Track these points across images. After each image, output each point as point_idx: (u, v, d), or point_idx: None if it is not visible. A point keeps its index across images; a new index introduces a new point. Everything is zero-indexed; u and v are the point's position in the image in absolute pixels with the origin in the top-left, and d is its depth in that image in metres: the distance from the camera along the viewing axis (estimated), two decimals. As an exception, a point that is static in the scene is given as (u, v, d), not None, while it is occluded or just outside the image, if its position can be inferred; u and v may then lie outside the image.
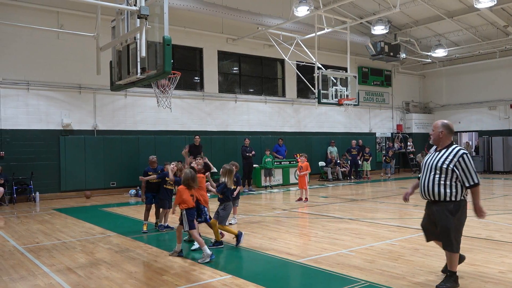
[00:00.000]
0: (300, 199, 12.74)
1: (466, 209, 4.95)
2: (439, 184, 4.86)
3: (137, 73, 7.00)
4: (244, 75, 19.43)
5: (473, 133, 25.52)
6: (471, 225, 8.51)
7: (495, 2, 14.66)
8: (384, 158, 21.92)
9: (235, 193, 8.26)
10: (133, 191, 14.89)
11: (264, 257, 6.46)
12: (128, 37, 7.15)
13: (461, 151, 4.83)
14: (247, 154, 16.20)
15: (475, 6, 15.14)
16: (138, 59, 6.88)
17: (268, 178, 16.93)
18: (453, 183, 4.83)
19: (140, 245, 7.43)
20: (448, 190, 4.83)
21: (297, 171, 13.67)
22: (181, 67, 16.41)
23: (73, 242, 7.79)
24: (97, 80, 12.14)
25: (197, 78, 17.91)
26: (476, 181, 4.83)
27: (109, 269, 5.92)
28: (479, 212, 5.00)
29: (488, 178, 19.99)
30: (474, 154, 23.79)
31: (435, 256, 6.14)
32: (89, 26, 11.50)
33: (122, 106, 15.89)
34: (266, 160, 16.68)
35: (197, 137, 15.49)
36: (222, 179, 7.27)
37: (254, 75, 19.76)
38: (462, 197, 4.88)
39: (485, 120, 23.72)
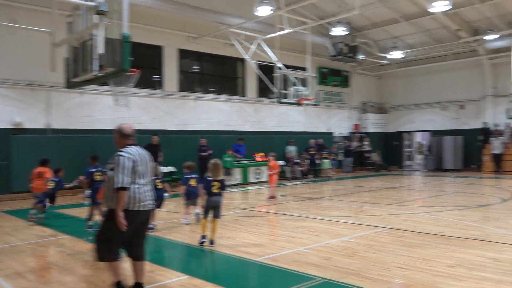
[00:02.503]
0: (271, 197, 12.96)
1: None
2: None
3: (94, 71, 6.85)
4: (204, 74, 19.34)
5: (426, 132, 26.48)
6: (423, 222, 8.87)
7: (449, 7, 15.25)
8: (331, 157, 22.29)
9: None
10: (89, 192, 14.47)
11: (222, 256, 6.48)
12: (85, 33, 6.99)
13: (118, 153, 4.57)
14: (202, 153, 16.14)
15: (430, 10, 15.69)
16: (96, 56, 6.73)
17: (226, 177, 16.93)
18: None
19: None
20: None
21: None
22: (140, 65, 15.99)
23: (23, 245, 7.50)
24: (51, 77, 11.77)
25: (156, 76, 17.65)
26: (119, 185, 4.41)
27: (60, 273, 5.76)
28: (117, 221, 4.42)
29: (439, 176, 20.81)
30: (427, 153, 24.71)
31: (388, 252, 6.36)
32: (43, 21, 11.10)
33: (78, 104, 15.45)
34: (225, 160, 16.68)
35: (155, 136, 15.29)
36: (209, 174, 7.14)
37: (215, 74, 19.70)
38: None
39: (438, 120, 24.67)
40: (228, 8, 18.17)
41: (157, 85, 17.57)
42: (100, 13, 6.39)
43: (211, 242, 6.97)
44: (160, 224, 8.77)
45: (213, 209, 7.04)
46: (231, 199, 13.61)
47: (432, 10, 15.60)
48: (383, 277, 5.20)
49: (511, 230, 7.79)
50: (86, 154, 14.96)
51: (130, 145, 4.75)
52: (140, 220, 4.68)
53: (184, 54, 18.32)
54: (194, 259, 6.65)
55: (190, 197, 8.85)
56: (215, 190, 7.01)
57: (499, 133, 21.23)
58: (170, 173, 16.26)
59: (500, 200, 11.85)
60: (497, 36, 19.20)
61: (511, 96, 18.51)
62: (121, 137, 4.79)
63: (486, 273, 5.25)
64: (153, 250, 6.76)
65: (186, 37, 18.04)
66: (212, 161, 7.31)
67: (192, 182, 8.79)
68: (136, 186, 4.59)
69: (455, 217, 9.21)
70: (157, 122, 17.21)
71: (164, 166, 15.70)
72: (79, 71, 7.45)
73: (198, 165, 15.72)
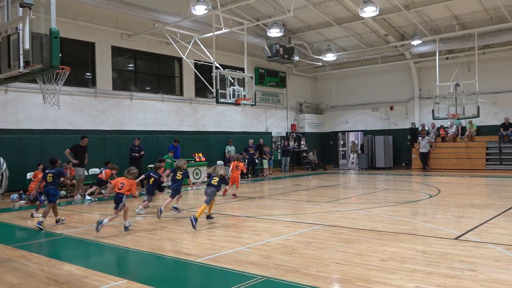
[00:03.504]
0: (234, 194, 13.19)
1: None
2: None
3: (19, 67, 6.43)
4: (140, 73, 18.82)
5: (359, 132, 27.60)
6: (357, 218, 9.21)
7: (377, 13, 15.98)
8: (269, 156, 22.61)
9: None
10: (15, 196, 13.62)
11: (161, 259, 6.33)
12: (8, 27, 6.53)
13: None
14: (134, 154, 15.71)
15: (360, 15, 16.35)
16: (21, 52, 6.31)
17: (166, 178, 16.59)
18: None
19: (24, 254, 6.82)
20: None
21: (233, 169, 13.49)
22: (71, 62, 15.40)
23: None
24: (-29, 73, 10.88)
25: (88, 74, 16.94)
26: None
27: (-14, 283, 5.36)
28: None
29: (371, 174, 21.76)
30: (360, 152, 25.73)
31: (326, 248, 6.53)
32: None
33: (1, 102, 14.46)
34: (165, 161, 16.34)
35: (86, 139, 14.20)
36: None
37: (150, 72, 19.23)
38: None
39: (369, 120, 25.79)
40: (164, 5, 17.86)
41: (89, 83, 16.87)
42: (24, 5, 6.00)
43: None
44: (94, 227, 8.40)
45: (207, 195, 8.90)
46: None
47: (362, 15, 16.26)
48: (321, 273, 5.33)
49: (438, 224, 8.28)
50: (11, 155, 14.14)
51: None
52: None
53: (118, 52, 17.74)
54: (132, 262, 6.44)
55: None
56: (214, 182, 8.96)
57: (426, 133, 22.57)
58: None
59: (428, 196, 12.59)
60: (421, 41, 20.39)
61: (436, 98, 19.73)
62: None
63: (416, 265, 5.54)
64: (87, 254, 6.47)
65: (120, 34, 17.49)
66: (218, 162, 8.73)
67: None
68: None
69: (387, 213, 9.65)
70: (91, 122, 16.53)
71: (94, 168, 15.12)
72: (2, 67, 6.97)
73: (129, 165, 15.30)
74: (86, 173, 14.64)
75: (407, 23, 20.57)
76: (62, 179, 11.22)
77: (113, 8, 15.90)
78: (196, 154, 18.76)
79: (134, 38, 17.77)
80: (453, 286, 4.74)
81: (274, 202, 12.23)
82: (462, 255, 5.95)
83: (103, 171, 13.77)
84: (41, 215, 9.00)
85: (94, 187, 13.87)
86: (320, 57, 23.17)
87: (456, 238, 7.01)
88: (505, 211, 9.56)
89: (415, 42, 20.38)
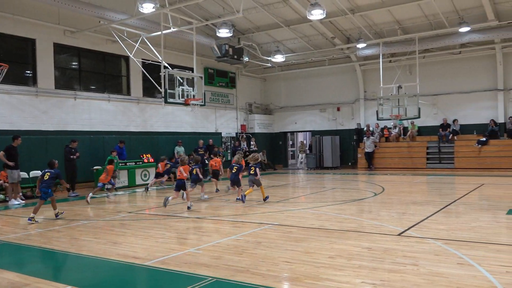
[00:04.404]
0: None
1: None
2: None
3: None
4: (84, 71, 18.16)
5: (307, 133, 28.13)
6: (306, 217, 9.37)
7: (324, 16, 16.35)
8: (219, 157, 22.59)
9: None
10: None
11: (108, 263, 6.14)
12: None
13: None
14: (71, 156, 15.13)
15: (308, 17, 16.67)
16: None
17: (113, 179, 16.13)
18: None
19: (-43, 262, 6.40)
20: None
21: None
22: (9, 59, 14.59)
23: None
24: None
25: (29, 72, 16.15)
26: None
27: None
28: None
29: (320, 173, 22.22)
30: (308, 152, 26.22)
31: (276, 248, 6.59)
32: None
33: None
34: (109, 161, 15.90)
35: (19, 139, 13.48)
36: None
37: (96, 71, 18.61)
38: None
39: (317, 121, 26.35)
40: (110, 2, 17.37)
41: (30, 81, 16.09)
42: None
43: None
44: (37, 232, 8.03)
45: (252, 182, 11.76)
46: (116, 203, 13.00)
47: (310, 17, 16.58)
48: (271, 272, 5.37)
49: (382, 221, 8.59)
50: None
51: None
52: None
53: (61, 49, 17.05)
54: (77, 268, 6.20)
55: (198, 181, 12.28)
56: (252, 172, 11.77)
57: (371, 133, 23.35)
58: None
59: (373, 194, 13.02)
60: (366, 44, 21.09)
61: (380, 100, 20.47)
62: None
63: (362, 262, 5.71)
64: (28, 261, 6.16)
65: (63, 31, 16.82)
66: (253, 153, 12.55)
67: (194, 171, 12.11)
68: None
69: (335, 211, 9.89)
70: (32, 122, 15.77)
71: (35, 171, 14.44)
72: None
73: (64, 168, 14.78)
74: (26, 176, 13.93)
75: (353, 26, 21.20)
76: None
77: (55, 4, 15.23)
78: (144, 155, 18.39)
79: (78, 35, 17.14)
80: (396, 280, 4.93)
81: (224, 203, 12.20)
82: (405, 251, 6.20)
83: (159, 165, 15.71)
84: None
85: (154, 180, 15.92)
86: (269, 58, 23.40)
87: (399, 234, 7.30)
88: (444, 207, 10.07)
89: (360, 45, 21.04)
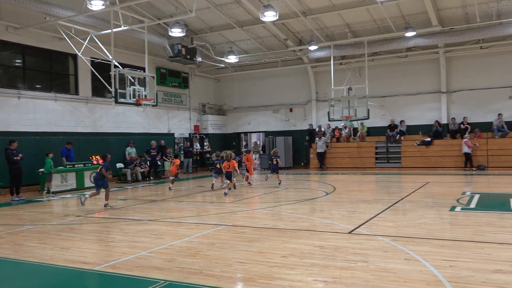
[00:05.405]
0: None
1: None
2: None
3: None
4: (29, 69, 17.35)
5: (261, 133, 28.30)
6: (260, 217, 9.43)
7: (277, 17, 16.52)
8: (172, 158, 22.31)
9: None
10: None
11: (54, 269, 5.90)
12: None
13: None
14: (15, 157, 14.29)
15: (261, 18, 16.79)
16: None
17: (47, 183, 15.54)
18: None
19: None
20: None
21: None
22: None
23: None
24: None
25: (-32, 69, 15.26)
26: None
27: None
28: None
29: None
30: (261, 152, 26.37)
31: (229, 249, 6.58)
32: None
33: None
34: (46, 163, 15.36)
35: None
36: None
37: (41, 69, 17.83)
38: None
39: (271, 122, 26.57)
40: (57, -2, 16.70)
41: (-32, 79, 15.19)
42: None
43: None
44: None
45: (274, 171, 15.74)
46: (64, 206, 12.53)
47: (263, 19, 16.71)
48: (225, 273, 5.36)
49: (333, 220, 8.78)
50: None
51: None
52: None
53: (3, 46, 16.22)
54: (21, 275, 5.90)
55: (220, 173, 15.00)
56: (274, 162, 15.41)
57: (322, 134, 23.82)
58: None
59: (325, 194, 13.29)
60: (317, 47, 21.49)
61: (331, 101, 20.93)
62: None
63: (314, 260, 5.82)
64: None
65: (5, 27, 16.00)
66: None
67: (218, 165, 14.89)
68: None
69: (288, 211, 10.01)
70: (-30, 123, 14.90)
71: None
72: None
73: (9, 171, 14.12)
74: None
75: (305, 28, 21.56)
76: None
77: (-3, -2, 14.49)
78: (93, 156, 17.83)
79: (22, 32, 16.36)
80: (347, 277, 5.06)
81: (177, 204, 12.05)
82: (355, 248, 6.37)
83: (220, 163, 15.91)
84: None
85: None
86: (222, 59, 23.35)
87: (349, 232, 7.49)
88: (391, 205, 10.44)
89: (312, 47, 21.42)
